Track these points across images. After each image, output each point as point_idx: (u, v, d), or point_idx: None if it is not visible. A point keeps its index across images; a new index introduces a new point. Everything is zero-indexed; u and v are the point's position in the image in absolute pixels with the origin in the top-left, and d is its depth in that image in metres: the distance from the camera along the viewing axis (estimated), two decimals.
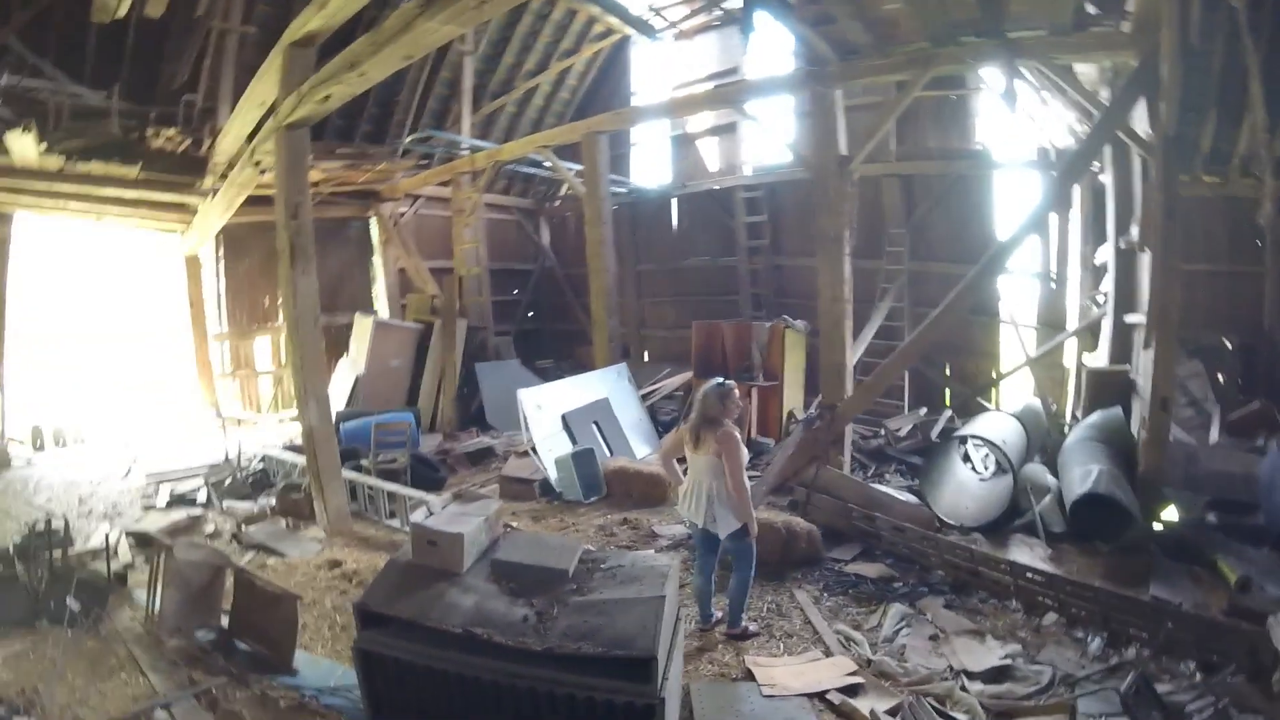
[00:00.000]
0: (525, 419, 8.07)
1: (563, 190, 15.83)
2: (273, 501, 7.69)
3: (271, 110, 7.29)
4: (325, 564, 6.10)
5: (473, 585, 3.69)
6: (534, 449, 8.06)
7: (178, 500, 8.18)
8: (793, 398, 10.07)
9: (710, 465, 4.81)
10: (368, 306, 14.21)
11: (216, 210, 10.06)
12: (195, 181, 10.46)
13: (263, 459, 8.85)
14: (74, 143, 9.56)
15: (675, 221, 14.45)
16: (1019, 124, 9.72)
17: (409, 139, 12.45)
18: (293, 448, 9.08)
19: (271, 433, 10.95)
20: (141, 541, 6.72)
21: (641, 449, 9.19)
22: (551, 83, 15.18)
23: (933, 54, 7.35)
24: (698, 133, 14.31)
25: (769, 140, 13.09)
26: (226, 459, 8.93)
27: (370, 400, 11.08)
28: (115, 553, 6.46)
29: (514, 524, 7.06)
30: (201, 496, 8.20)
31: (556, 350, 15.30)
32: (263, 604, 4.75)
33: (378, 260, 14.24)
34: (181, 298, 12.44)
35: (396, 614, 3.49)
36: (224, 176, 9.83)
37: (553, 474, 7.87)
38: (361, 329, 11.92)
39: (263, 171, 8.03)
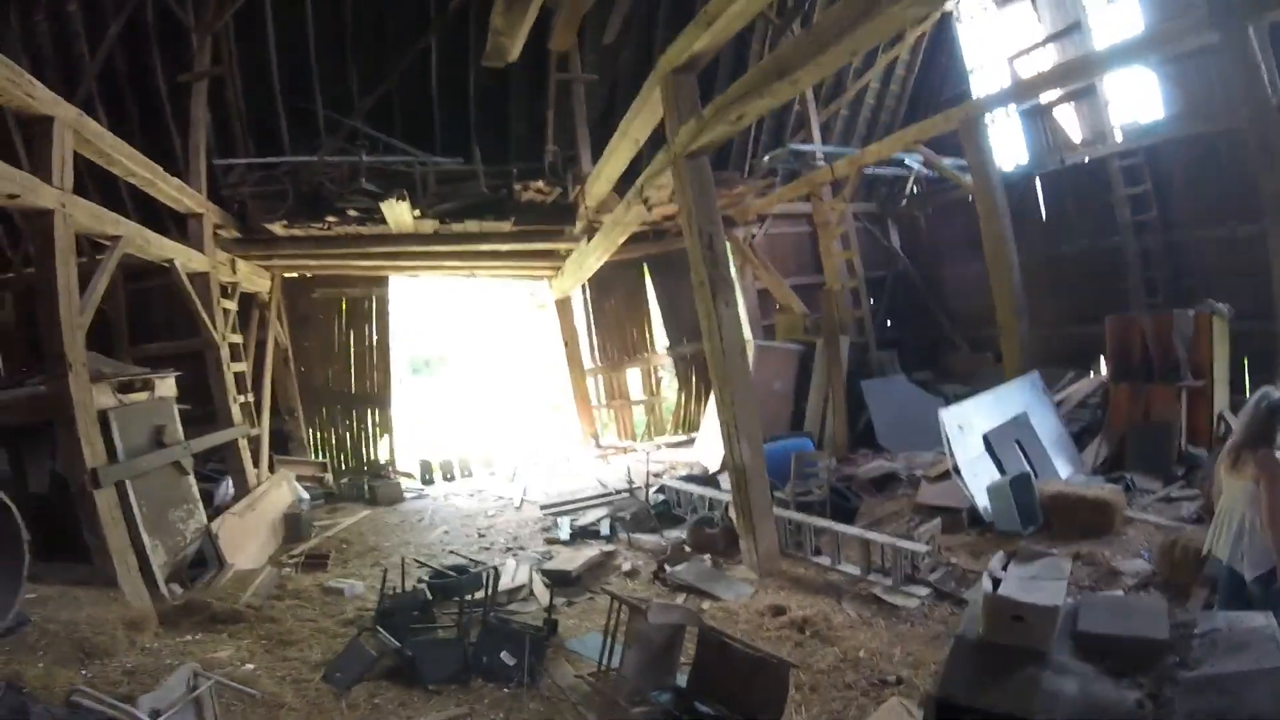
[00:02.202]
0: (948, 441, 7.28)
1: (908, 189, 14.86)
2: (683, 535, 7.57)
3: (657, 142, 7.23)
4: (767, 610, 5.70)
5: (1065, 665, 3.03)
6: (958, 472, 7.24)
7: (580, 533, 8.33)
8: (1221, 397, 8.36)
9: (1246, 492, 4.03)
10: None
11: (595, 252, 10.40)
12: (565, 228, 10.94)
13: (661, 489, 8.83)
14: (445, 205, 10.35)
15: (1042, 205, 12.84)
16: None
17: (769, 156, 12.20)
18: (690, 478, 8.98)
19: (649, 461, 11.10)
20: (558, 580, 6.75)
21: (1065, 469, 8.00)
22: (880, 78, 14.34)
23: None
24: (1052, 102, 12.67)
25: (1138, 97, 11.37)
26: (630, 490, 9.00)
27: None
28: (532, 592, 6.61)
29: (953, 560, 6.33)
30: (604, 529, 8.27)
31: (919, 359, 14.23)
32: (737, 667, 4.41)
33: (735, 284, 14.14)
34: (553, 338, 13.19)
35: (989, 707, 2.90)
36: (592, 219, 10.13)
37: (982, 502, 6.99)
38: None
39: (650, 208, 8.01)
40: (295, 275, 12.42)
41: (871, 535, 6.22)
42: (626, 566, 7.18)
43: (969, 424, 7.56)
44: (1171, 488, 7.44)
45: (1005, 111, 13.01)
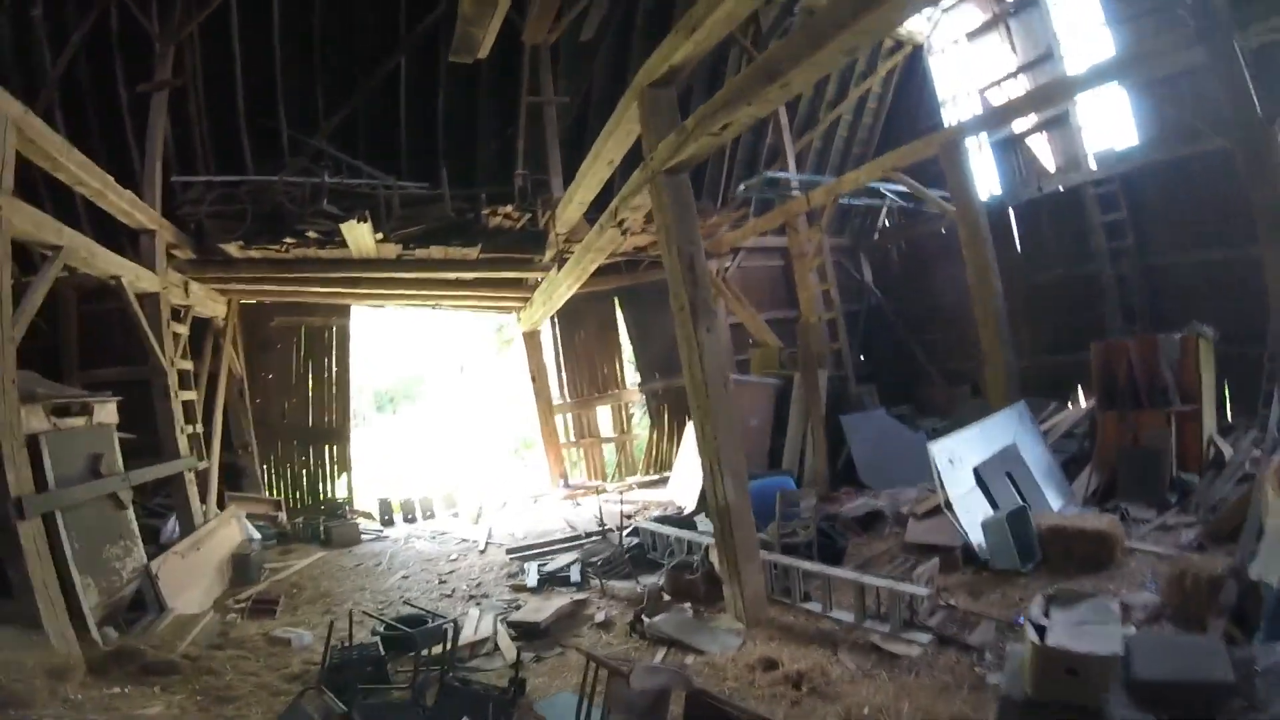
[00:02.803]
0: (940, 476, 6.90)
1: (880, 221, 14.74)
2: (660, 581, 7.06)
3: (632, 164, 6.89)
4: (757, 663, 5.16)
5: None
6: (950, 508, 6.87)
7: (548, 579, 7.81)
8: (1209, 421, 8.15)
9: None
10: None
11: (565, 281, 10.01)
12: (534, 257, 10.55)
13: (634, 532, 8.35)
14: (409, 229, 9.93)
15: (1016, 235, 12.76)
16: None
17: (744, 185, 11.92)
18: (665, 519, 8.51)
19: (621, 501, 10.63)
20: (525, 632, 6.29)
21: (1056, 500, 7.70)
22: (852, 110, 14.34)
23: None
24: (1025, 131, 12.71)
25: (1111, 124, 11.48)
26: (602, 533, 8.53)
27: None
28: (496, 645, 6.08)
29: (951, 602, 5.92)
30: (575, 575, 7.74)
31: (895, 394, 13.97)
32: None
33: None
34: (521, 374, 12.75)
35: None
36: (563, 248, 9.75)
37: (977, 538, 6.61)
38: None
39: (625, 232, 7.62)
40: (253, 302, 11.90)
41: (866, 578, 5.77)
42: (600, 616, 6.62)
43: (959, 458, 7.21)
44: (1167, 515, 7.17)
45: (978, 143, 12.99)
